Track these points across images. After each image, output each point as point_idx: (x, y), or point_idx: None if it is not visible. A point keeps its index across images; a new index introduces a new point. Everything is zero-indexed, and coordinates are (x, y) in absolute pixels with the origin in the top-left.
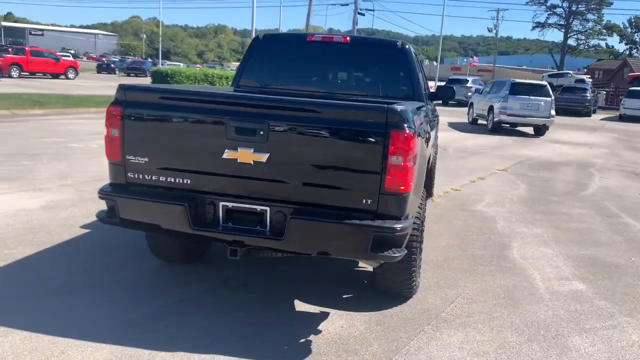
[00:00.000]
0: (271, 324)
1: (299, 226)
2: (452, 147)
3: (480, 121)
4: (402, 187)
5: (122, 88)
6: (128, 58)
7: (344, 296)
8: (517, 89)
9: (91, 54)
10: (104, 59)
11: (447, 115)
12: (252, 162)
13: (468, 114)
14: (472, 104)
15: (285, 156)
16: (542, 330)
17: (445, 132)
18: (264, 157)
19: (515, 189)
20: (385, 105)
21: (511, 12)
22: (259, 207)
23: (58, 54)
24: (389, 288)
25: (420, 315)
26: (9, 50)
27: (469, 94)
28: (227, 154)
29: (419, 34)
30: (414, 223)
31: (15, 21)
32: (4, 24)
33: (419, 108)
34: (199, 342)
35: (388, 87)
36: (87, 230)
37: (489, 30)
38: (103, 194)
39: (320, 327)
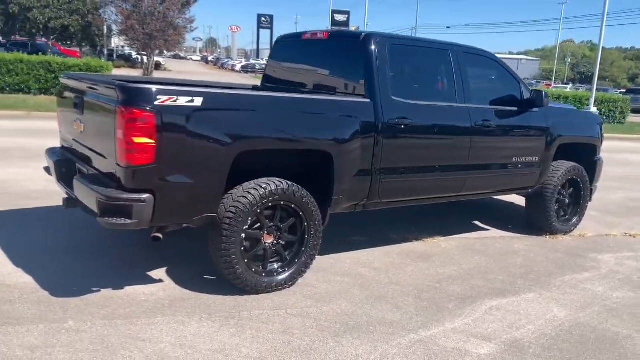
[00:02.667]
0: (135, 269)
1: (75, 185)
2: None
3: None
4: (131, 162)
5: (62, 76)
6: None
7: (204, 276)
8: None
9: None
10: None
11: None
12: (80, 132)
13: None
14: None
15: (89, 127)
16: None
17: None
18: (82, 128)
19: None
20: (116, 81)
21: None
22: (86, 170)
23: None
24: (220, 272)
25: (206, 306)
26: None
27: None
28: (74, 124)
29: None
30: (229, 212)
31: None
32: None
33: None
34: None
35: (347, 82)
36: None
37: None
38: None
39: (149, 286)
